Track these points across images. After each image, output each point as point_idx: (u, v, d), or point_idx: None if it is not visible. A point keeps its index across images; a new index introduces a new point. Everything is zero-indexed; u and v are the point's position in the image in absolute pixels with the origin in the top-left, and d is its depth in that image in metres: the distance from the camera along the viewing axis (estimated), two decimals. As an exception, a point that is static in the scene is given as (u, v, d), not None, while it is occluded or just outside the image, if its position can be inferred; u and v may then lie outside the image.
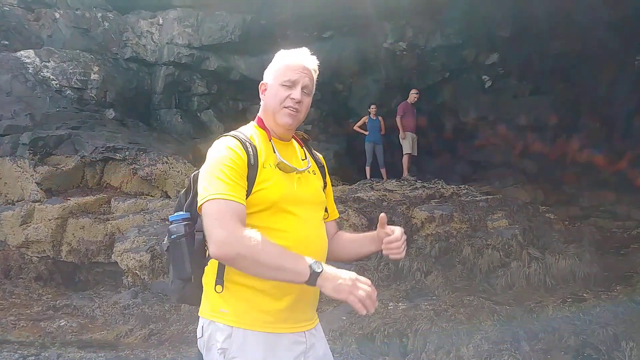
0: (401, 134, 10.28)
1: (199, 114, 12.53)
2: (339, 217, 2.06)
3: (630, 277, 5.57)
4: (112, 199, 8.30)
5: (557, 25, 11.35)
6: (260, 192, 1.66)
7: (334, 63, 12.11)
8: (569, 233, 7.02)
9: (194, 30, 12.01)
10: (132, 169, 8.91)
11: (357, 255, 2.01)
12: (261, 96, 1.85)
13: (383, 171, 10.70)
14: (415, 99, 10.47)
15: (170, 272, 1.81)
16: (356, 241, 2.00)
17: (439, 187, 8.65)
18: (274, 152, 1.74)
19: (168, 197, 8.68)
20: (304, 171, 1.81)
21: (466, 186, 9.09)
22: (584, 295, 5.06)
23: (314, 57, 1.84)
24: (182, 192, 1.90)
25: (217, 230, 1.53)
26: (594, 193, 11.14)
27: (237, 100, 12.78)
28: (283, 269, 1.53)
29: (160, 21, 12.14)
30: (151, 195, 8.80)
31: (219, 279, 1.66)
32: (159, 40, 12.08)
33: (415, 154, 10.55)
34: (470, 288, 5.64)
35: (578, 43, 11.77)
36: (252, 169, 1.66)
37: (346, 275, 1.52)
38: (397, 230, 1.83)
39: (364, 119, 10.96)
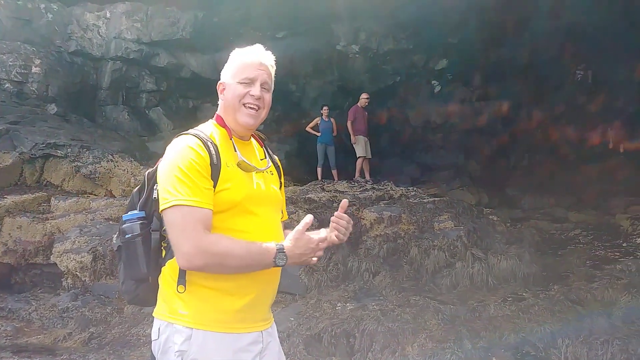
0: (352, 139, 10.37)
1: (147, 112, 12.23)
2: (288, 219, 2.05)
3: (566, 276, 5.82)
4: (52, 198, 7.95)
5: (504, 33, 11.79)
6: (223, 192, 1.64)
7: (287, 63, 12.08)
8: (511, 234, 7.27)
9: (143, 25, 11.71)
10: (75, 166, 8.58)
11: None
12: (220, 96, 1.82)
13: (334, 172, 10.75)
14: (366, 103, 10.56)
15: (121, 273, 1.77)
16: None
17: (388, 189, 8.77)
18: (235, 151, 1.72)
19: (113, 196, 8.40)
20: (263, 171, 1.81)
21: (414, 188, 9.27)
22: (524, 294, 5.24)
23: (270, 53, 1.83)
24: (135, 190, 1.83)
25: (182, 242, 1.53)
26: (535, 196, 11.64)
27: (187, 98, 12.56)
28: (250, 267, 1.62)
29: (108, 15, 11.76)
30: (94, 194, 8.49)
31: (181, 280, 1.62)
32: (105, 34, 11.70)
33: (370, 157, 10.64)
34: (417, 288, 5.74)
35: (524, 51, 12.27)
36: (215, 168, 1.62)
37: (306, 250, 1.64)
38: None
39: (316, 120, 10.98)
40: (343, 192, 8.59)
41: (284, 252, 1.61)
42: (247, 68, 1.75)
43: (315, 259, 1.68)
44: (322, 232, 1.73)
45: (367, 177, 10.34)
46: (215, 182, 1.62)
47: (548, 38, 11.78)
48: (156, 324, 1.69)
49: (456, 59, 12.91)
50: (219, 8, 11.65)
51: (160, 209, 1.60)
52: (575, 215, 9.94)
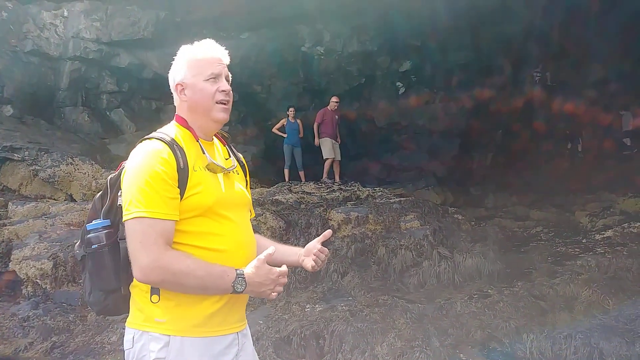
0: (316, 140, 10.36)
1: (108, 113, 11.93)
2: (254, 217, 2.02)
3: (529, 273, 5.96)
4: (10, 203, 7.66)
5: (465, 37, 12.03)
6: (193, 197, 1.61)
7: (252, 64, 12.03)
8: (475, 233, 7.41)
9: (102, 24, 11.40)
10: (33, 170, 8.31)
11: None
12: (180, 97, 1.74)
13: (301, 174, 10.74)
14: (336, 107, 10.56)
15: (86, 283, 1.70)
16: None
17: (355, 189, 8.82)
18: (203, 153, 1.68)
19: (73, 200, 8.15)
20: (230, 171, 1.78)
21: (381, 189, 9.34)
22: (489, 291, 5.34)
23: (220, 45, 1.79)
24: (98, 196, 1.76)
25: (141, 256, 1.51)
26: (498, 195, 11.91)
27: (150, 99, 12.29)
28: (207, 290, 1.58)
29: (65, 13, 11.40)
30: (54, 199, 8.23)
31: (155, 290, 1.59)
32: (63, 33, 11.35)
33: (339, 159, 10.63)
34: (385, 288, 5.78)
35: (484, 55, 12.55)
36: (183, 173, 1.59)
37: (266, 281, 1.59)
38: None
39: (283, 121, 10.94)
40: (310, 193, 8.58)
41: (244, 277, 1.58)
42: (210, 64, 1.72)
43: (274, 294, 1.64)
44: (284, 267, 1.68)
45: (337, 179, 10.35)
46: (183, 188, 1.59)
47: (508, 40, 12.09)
48: (129, 333, 1.65)
49: (419, 61, 13.11)
50: (182, 8, 11.47)
51: (123, 219, 1.56)
52: (537, 213, 10.21)
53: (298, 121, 10.95)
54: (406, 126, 13.80)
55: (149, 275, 1.51)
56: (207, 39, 1.78)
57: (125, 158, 1.67)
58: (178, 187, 1.57)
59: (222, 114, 1.73)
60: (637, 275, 5.46)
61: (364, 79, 13.49)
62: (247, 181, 1.93)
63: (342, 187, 9.12)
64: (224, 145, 1.88)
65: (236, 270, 1.58)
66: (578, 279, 5.32)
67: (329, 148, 10.35)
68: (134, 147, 1.67)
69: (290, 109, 10.86)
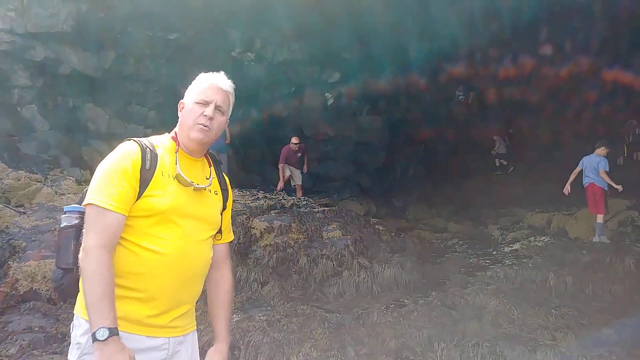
0: (280, 184, 10.53)
1: (19, 109, 11.10)
2: (232, 241, 2.17)
3: (444, 283, 6.18)
4: None
5: (393, 52, 12.40)
6: (150, 198, 1.76)
7: (179, 65, 11.71)
8: (395, 243, 7.59)
9: (18, 14, 10.65)
10: None
11: (209, 311, 2.09)
12: (179, 114, 1.96)
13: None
14: (297, 148, 10.68)
15: (55, 259, 1.88)
16: (218, 309, 2.07)
17: (280, 198, 8.78)
18: (176, 164, 1.84)
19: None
20: (202, 188, 1.91)
21: (306, 198, 9.37)
22: (405, 301, 5.48)
23: (230, 81, 1.99)
24: (87, 188, 1.91)
25: (85, 238, 1.69)
26: (419, 207, 12.35)
27: (66, 96, 11.57)
28: (87, 310, 1.65)
29: (-25, 0, 10.57)
30: (-49, 199, 7.52)
31: None
32: (-28, 21, 10.50)
33: (299, 183, 10.89)
34: (305, 297, 5.77)
35: (409, 71, 13.01)
36: (146, 173, 1.76)
37: (115, 356, 1.59)
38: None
39: (208, 126, 10.72)
40: (234, 200, 8.41)
41: (109, 336, 1.58)
42: (205, 91, 1.91)
43: None
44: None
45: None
46: (144, 187, 1.75)
47: (432, 58, 12.60)
48: (74, 319, 1.80)
49: (348, 74, 13.36)
50: (106, 2, 10.96)
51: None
52: (454, 225, 10.68)
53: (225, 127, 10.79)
54: (333, 137, 13.98)
55: (81, 258, 1.66)
56: (221, 72, 1.99)
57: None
58: (139, 186, 1.75)
59: (197, 134, 1.88)
60: (540, 286, 5.82)
61: (294, 87, 13.53)
62: (226, 205, 2.05)
63: (266, 195, 9.05)
64: (210, 167, 2.02)
65: (109, 327, 1.59)
66: (487, 289, 5.58)
67: (296, 175, 10.81)
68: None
69: (218, 114, 10.66)
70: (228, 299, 2.07)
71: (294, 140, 10.79)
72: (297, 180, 10.91)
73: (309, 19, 11.31)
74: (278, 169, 10.81)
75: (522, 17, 11.29)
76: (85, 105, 11.56)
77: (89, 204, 1.71)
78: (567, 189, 8.32)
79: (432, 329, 4.69)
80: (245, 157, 12.38)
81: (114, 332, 1.59)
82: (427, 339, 4.51)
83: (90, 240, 1.66)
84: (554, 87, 13.08)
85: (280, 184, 10.65)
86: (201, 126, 1.87)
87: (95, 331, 1.58)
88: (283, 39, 12.50)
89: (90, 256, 1.65)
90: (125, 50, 11.52)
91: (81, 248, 1.68)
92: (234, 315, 5.20)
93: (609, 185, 8.04)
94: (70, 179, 8.32)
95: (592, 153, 8.32)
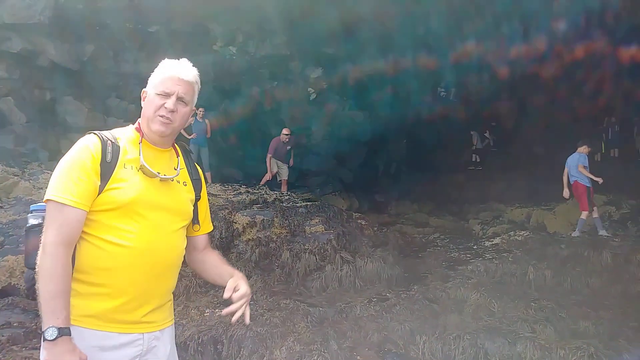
0: (267, 175, 10.49)
1: (-5, 101, 10.88)
2: (212, 230, 2.12)
3: (425, 277, 6.24)
4: None
5: (375, 46, 12.41)
6: (113, 191, 1.71)
7: (160, 59, 11.54)
8: (377, 238, 7.63)
9: (-7, 4, 10.43)
10: None
11: (215, 281, 2.03)
12: (142, 103, 1.89)
13: (208, 175, 10.48)
14: (287, 139, 10.58)
15: (24, 259, 1.84)
16: (218, 268, 2.02)
17: (263, 193, 8.76)
18: (139, 155, 1.79)
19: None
20: (169, 179, 1.85)
21: (289, 193, 9.35)
22: (387, 294, 5.51)
23: (194, 70, 1.90)
24: None
25: (44, 234, 1.63)
26: (401, 202, 12.41)
27: (44, 89, 11.36)
28: (39, 308, 1.59)
29: (-51, -11, 10.30)
30: None
31: None
32: (-55, 10, 10.23)
33: (285, 178, 10.83)
34: (288, 291, 5.76)
35: (392, 67, 13.03)
36: (107, 166, 1.71)
37: (64, 357, 1.54)
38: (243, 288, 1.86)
39: (190, 120, 10.60)
40: (216, 195, 8.38)
41: (58, 331, 1.54)
42: (167, 81, 1.83)
43: None
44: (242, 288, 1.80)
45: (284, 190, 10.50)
46: (105, 180, 1.70)
47: (410, 54, 12.64)
48: None
49: (331, 69, 13.32)
50: (84, -6, 10.78)
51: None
52: (435, 220, 10.76)
53: (206, 121, 10.70)
54: (316, 131, 13.96)
55: (39, 255, 1.61)
56: (184, 59, 1.89)
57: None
58: (100, 180, 1.70)
59: (157, 126, 1.82)
60: (520, 280, 5.90)
61: (276, 82, 13.46)
62: (198, 196, 1.98)
63: (249, 190, 9.01)
64: (178, 157, 1.95)
65: (60, 327, 1.55)
66: (468, 283, 5.64)
67: (283, 170, 10.75)
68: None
69: (200, 109, 10.57)
70: (222, 259, 2.05)
71: (285, 131, 10.73)
72: (284, 175, 10.87)
73: (291, 13, 11.26)
74: (261, 163, 10.77)
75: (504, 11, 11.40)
76: (63, 98, 11.36)
77: (48, 199, 1.67)
78: (566, 192, 8.44)
79: (414, 322, 4.73)
80: (227, 151, 12.28)
81: (64, 332, 1.56)
82: (409, 332, 4.55)
83: (48, 237, 1.62)
84: (537, 82, 13.23)
85: (267, 177, 10.57)
86: (162, 119, 1.81)
87: (45, 330, 1.55)
88: (265, 34, 12.41)
89: (46, 253, 1.60)
90: (104, 43, 11.35)
91: (42, 244, 1.63)
92: (216, 310, 5.17)
93: (592, 180, 8.17)
94: (48, 173, 8.18)
95: (575, 152, 8.47)
